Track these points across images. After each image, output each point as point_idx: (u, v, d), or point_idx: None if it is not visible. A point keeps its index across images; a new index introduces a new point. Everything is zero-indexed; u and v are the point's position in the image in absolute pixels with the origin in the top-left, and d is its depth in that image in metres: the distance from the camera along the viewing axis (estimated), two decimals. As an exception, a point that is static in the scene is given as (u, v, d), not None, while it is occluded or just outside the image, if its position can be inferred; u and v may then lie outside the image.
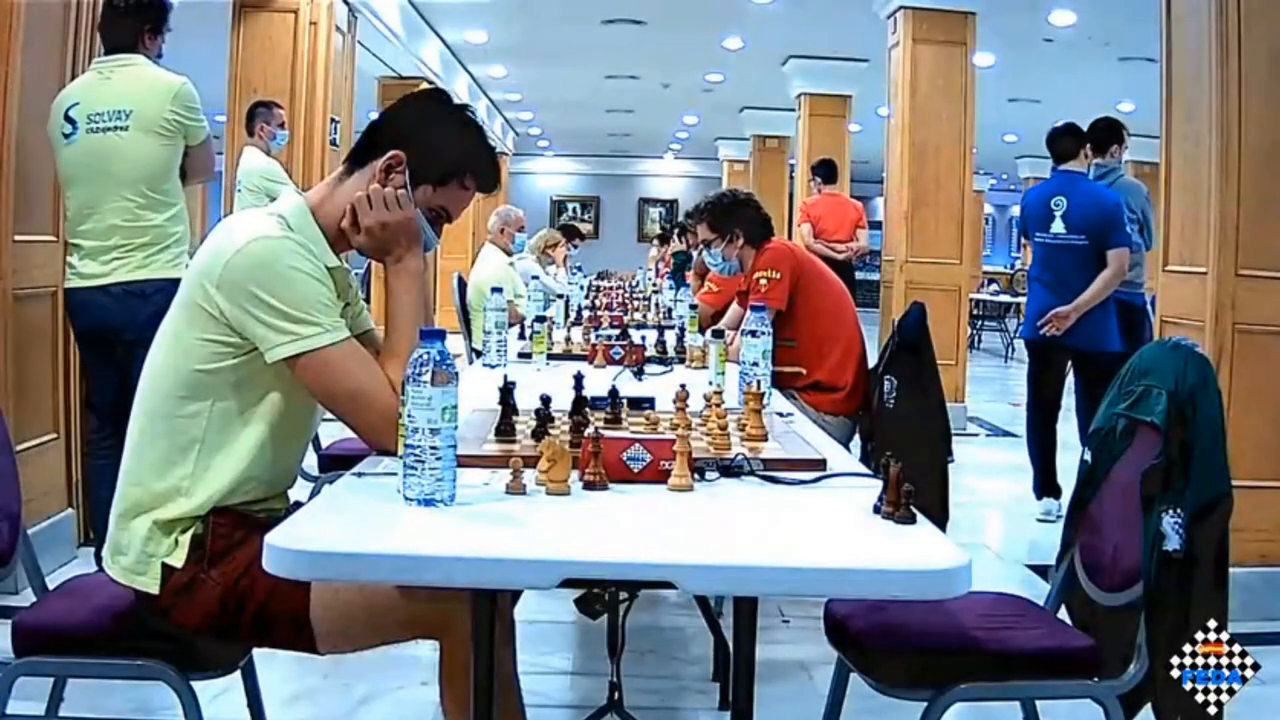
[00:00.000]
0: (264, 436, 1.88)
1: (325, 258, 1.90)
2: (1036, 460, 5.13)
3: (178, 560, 1.84)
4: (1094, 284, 4.79)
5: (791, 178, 12.87)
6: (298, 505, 2.09)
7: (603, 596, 2.25)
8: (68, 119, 3.47)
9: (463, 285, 6.37)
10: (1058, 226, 4.89)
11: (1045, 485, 5.08)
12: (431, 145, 1.96)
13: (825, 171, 8.36)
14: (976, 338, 13.79)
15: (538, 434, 2.00)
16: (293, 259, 1.82)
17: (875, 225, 9.31)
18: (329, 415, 1.95)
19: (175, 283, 3.33)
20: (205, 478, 1.86)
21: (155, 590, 1.85)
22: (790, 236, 8.77)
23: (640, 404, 2.34)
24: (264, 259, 1.80)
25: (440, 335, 1.62)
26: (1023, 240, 4.90)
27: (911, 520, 1.59)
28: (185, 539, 1.85)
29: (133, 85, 3.49)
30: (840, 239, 8.00)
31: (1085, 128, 5.17)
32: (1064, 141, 5.04)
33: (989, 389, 9.79)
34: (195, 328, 1.84)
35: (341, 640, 1.86)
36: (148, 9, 3.59)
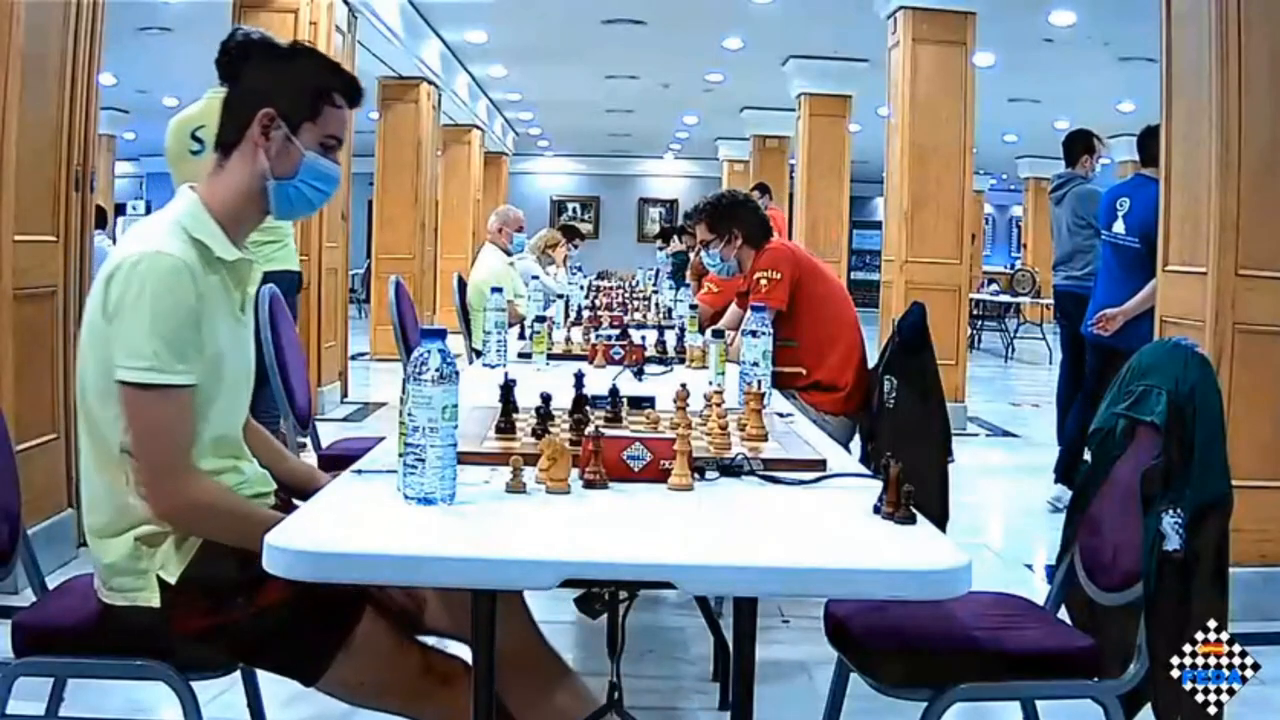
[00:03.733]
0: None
1: (225, 251, 1.85)
2: (1065, 447, 5.17)
3: (170, 574, 1.80)
4: (1144, 289, 4.68)
5: (792, 178, 12.85)
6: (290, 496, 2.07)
7: (603, 596, 2.25)
8: (194, 138, 3.91)
9: (463, 285, 6.37)
10: (1118, 227, 4.88)
11: (1067, 473, 5.10)
12: (289, 86, 1.89)
13: (770, 191, 10.17)
14: (976, 338, 13.79)
15: (538, 432, 2.00)
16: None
17: (875, 225, 9.52)
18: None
19: (286, 273, 4.06)
20: None
21: (156, 603, 1.81)
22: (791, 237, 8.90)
23: (640, 403, 2.33)
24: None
25: (441, 334, 1.62)
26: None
27: (911, 520, 1.59)
28: (171, 549, 1.81)
29: None
30: None
31: (1091, 129, 5.13)
32: (1154, 144, 4.84)
33: (989, 389, 9.80)
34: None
35: (353, 690, 1.90)
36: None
